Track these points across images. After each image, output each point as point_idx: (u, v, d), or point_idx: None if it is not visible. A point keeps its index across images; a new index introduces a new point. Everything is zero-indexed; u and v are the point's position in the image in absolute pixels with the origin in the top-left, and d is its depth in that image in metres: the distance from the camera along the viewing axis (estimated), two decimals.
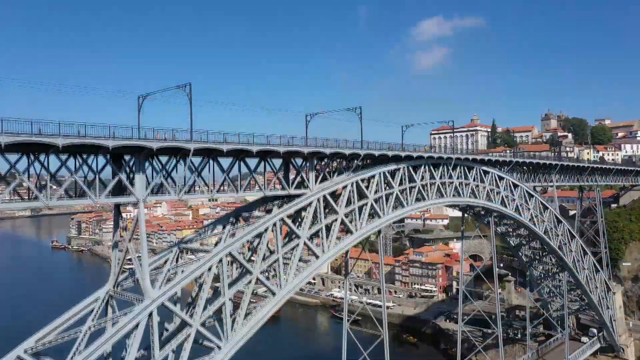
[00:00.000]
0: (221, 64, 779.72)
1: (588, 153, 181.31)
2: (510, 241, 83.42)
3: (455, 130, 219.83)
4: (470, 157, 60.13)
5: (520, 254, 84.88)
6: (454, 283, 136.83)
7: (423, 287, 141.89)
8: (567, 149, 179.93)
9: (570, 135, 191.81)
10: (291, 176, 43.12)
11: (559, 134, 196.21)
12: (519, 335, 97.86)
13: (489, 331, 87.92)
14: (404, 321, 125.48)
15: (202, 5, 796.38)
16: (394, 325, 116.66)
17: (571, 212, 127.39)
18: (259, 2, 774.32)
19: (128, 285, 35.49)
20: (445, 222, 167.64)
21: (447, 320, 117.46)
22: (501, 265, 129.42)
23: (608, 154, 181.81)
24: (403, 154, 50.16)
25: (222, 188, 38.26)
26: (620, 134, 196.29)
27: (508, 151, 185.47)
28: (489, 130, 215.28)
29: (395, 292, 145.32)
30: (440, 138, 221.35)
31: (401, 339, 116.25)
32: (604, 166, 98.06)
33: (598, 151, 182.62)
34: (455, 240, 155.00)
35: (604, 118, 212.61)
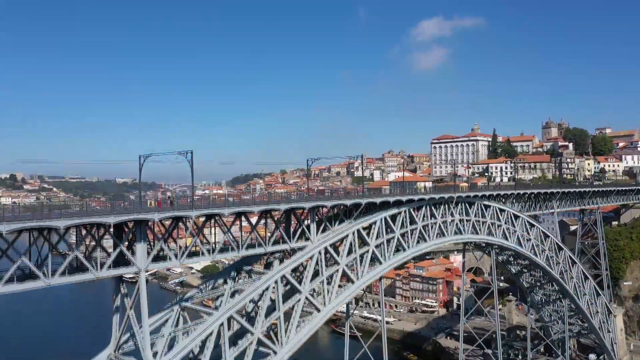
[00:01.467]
0: (220, 68, 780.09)
1: (589, 164, 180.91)
2: (511, 269, 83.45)
3: (455, 139, 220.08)
4: (472, 194, 60.08)
5: (521, 280, 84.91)
6: (455, 298, 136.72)
7: (424, 301, 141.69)
8: (568, 160, 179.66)
9: (571, 145, 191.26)
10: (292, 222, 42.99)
11: (560, 144, 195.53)
12: (520, 357, 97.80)
13: (490, 352, 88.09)
14: (405, 337, 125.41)
15: (201, 5, 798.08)
16: (394, 342, 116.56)
17: (572, 227, 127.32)
18: (259, 2, 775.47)
19: (129, 348, 35.45)
20: None
21: (448, 337, 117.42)
22: (501, 278, 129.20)
23: (609, 165, 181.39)
24: (404, 198, 50.08)
25: (223, 246, 38.16)
26: (620, 144, 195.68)
27: (509, 162, 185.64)
28: (490, 140, 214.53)
29: (396, 306, 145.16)
30: (440, 147, 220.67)
31: (402, 356, 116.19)
32: (604, 189, 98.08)
33: (599, 162, 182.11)
34: (456, 252, 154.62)
35: (605, 127, 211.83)
